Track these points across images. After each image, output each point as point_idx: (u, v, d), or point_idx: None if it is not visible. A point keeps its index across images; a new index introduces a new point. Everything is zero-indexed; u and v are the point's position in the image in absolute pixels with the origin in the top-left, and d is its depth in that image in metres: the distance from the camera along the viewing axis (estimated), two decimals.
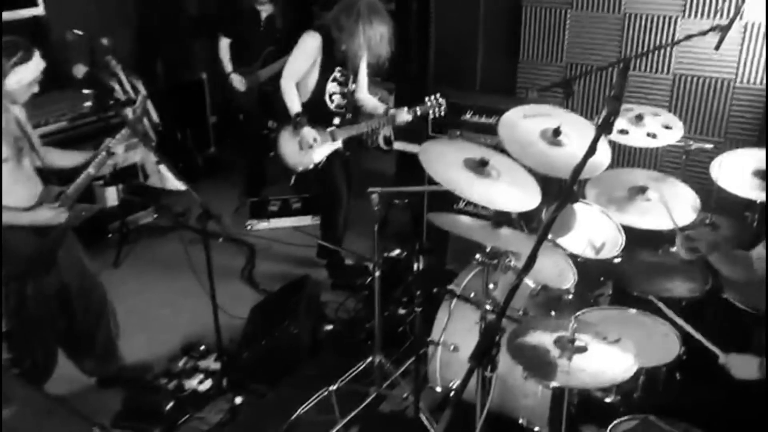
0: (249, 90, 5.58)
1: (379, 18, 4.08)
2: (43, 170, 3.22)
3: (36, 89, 3.09)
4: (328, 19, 4.18)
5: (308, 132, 4.21)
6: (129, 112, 3.39)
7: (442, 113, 4.23)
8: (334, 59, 4.20)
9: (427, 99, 4.22)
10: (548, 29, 4.77)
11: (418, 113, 4.22)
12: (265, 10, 5.52)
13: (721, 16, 4.11)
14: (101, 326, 3.52)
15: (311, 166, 4.35)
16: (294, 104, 4.20)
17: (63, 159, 3.33)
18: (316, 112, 4.25)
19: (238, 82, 5.57)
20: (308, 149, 4.25)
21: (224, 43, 5.56)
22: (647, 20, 4.39)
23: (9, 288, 3.08)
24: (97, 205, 3.50)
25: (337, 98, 4.32)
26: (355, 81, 4.39)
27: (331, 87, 4.28)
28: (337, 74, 4.26)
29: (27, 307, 3.19)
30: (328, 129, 4.31)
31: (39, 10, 5.40)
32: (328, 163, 4.39)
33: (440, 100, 4.21)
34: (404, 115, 4.21)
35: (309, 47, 4.16)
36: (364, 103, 4.51)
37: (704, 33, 3.46)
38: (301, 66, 4.20)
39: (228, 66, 5.58)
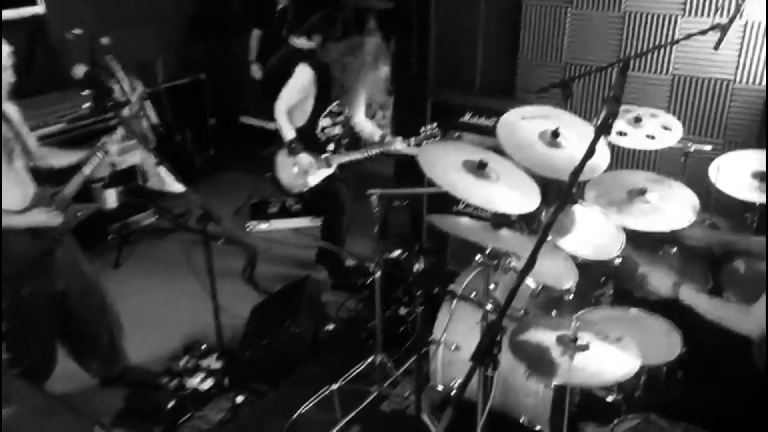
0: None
1: (384, 61, 4.18)
2: (39, 171, 3.21)
3: (11, 77, 3.03)
4: (331, 56, 4.24)
5: (304, 158, 4.26)
6: (126, 110, 3.39)
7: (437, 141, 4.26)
8: (329, 95, 4.26)
9: (422, 129, 4.25)
10: (548, 29, 4.78)
11: (413, 143, 4.26)
12: (281, 1, 5.60)
13: (722, 14, 4.11)
14: (103, 328, 3.52)
15: (305, 189, 4.39)
16: (287, 131, 4.26)
17: (59, 158, 3.33)
18: (307, 142, 4.30)
19: (255, 70, 5.76)
20: (302, 174, 4.31)
21: (255, 34, 5.82)
22: (647, 19, 4.40)
23: (5, 289, 3.07)
24: (94, 205, 3.47)
25: (329, 131, 4.38)
26: (351, 108, 4.41)
27: (324, 122, 4.34)
28: (333, 108, 4.32)
29: (23, 308, 3.18)
30: (323, 156, 4.37)
31: (39, 9, 5.40)
32: (327, 179, 4.43)
33: (435, 130, 4.24)
34: (398, 144, 4.29)
35: (303, 81, 4.24)
36: (361, 128, 4.55)
37: (704, 32, 3.47)
38: (293, 97, 4.27)
39: (253, 54, 5.72)
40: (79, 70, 4.99)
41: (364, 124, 4.54)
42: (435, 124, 4.26)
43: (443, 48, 5.27)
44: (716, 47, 3.46)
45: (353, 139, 4.62)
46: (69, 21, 5.39)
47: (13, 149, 3.03)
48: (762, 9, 3.95)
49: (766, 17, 3.96)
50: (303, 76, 4.23)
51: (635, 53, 4.43)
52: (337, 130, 4.43)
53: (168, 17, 6.73)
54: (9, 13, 5.10)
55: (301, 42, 5.72)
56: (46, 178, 3.23)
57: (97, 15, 5.83)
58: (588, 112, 4.71)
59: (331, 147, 4.41)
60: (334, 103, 4.31)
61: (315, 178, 4.37)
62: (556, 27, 4.73)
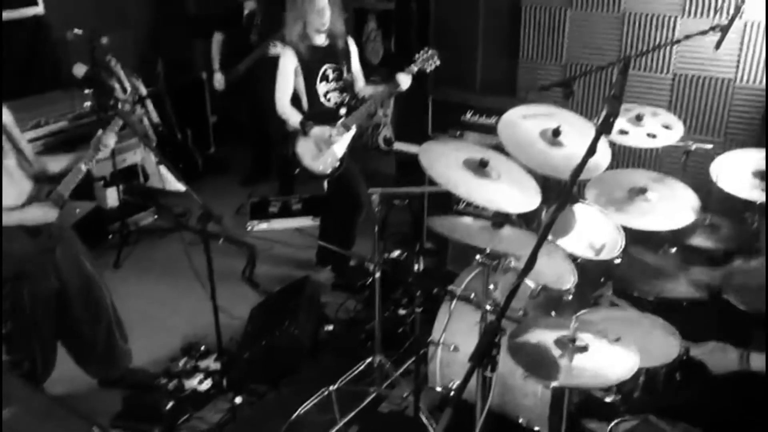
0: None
1: None
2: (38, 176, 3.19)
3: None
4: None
5: (320, 130, 4.22)
6: (126, 105, 3.37)
7: (437, 63, 4.18)
8: (313, 63, 4.22)
9: (417, 55, 4.18)
10: (548, 29, 4.77)
11: (415, 70, 4.16)
12: (248, 6, 5.56)
13: (721, 15, 4.10)
14: (102, 328, 3.50)
15: (338, 164, 4.33)
16: (294, 118, 4.23)
17: (56, 163, 3.30)
18: (319, 117, 4.26)
19: (217, 81, 5.69)
20: (327, 148, 4.26)
21: (217, 39, 5.66)
22: (647, 19, 4.39)
23: (5, 289, 3.05)
24: (92, 203, 3.43)
25: (333, 96, 4.32)
26: (349, 72, 4.37)
27: (323, 87, 4.28)
28: (329, 72, 4.26)
29: (24, 308, 3.16)
30: (339, 122, 4.30)
31: (39, 10, 5.42)
32: (347, 167, 4.39)
33: (430, 51, 4.17)
34: (403, 77, 4.15)
35: (284, 63, 4.21)
36: (366, 94, 4.49)
37: (704, 33, 3.47)
38: (285, 84, 4.23)
39: (215, 63, 5.65)
40: (80, 70, 4.99)
41: (367, 90, 4.48)
42: (427, 47, 4.19)
43: (444, 48, 5.26)
44: (716, 47, 3.46)
45: (361, 103, 4.57)
46: (69, 21, 5.39)
47: (2, 147, 3.01)
48: (761, 9, 3.94)
49: (767, 18, 3.96)
50: (283, 59, 4.21)
51: (635, 53, 4.42)
52: (344, 95, 4.36)
53: (167, 16, 6.73)
54: (9, 14, 5.12)
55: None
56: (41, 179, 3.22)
57: (97, 15, 5.84)
58: (589, 110, 4.71)
59: (343, 111, 4.35)
60: (324, 67, 4.26)
61: (341, 146, 4.31)
62: (556, 27, 4.73)
